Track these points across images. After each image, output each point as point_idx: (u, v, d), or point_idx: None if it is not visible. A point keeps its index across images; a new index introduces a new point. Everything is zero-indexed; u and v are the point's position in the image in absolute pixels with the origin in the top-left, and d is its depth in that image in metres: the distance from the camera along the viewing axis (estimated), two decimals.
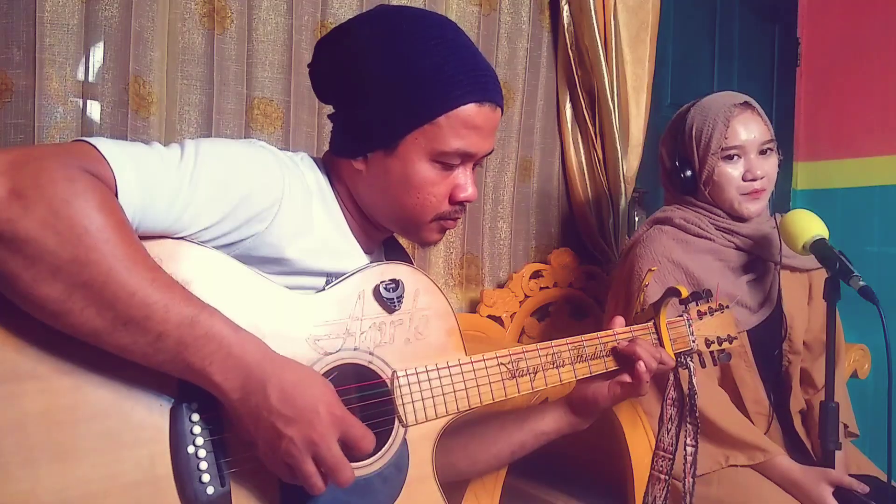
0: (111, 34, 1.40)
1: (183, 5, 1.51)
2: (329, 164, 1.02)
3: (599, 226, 2.15)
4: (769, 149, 1.53)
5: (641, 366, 1.05)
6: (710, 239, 1.54)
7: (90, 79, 1.40)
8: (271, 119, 1.63)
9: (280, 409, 0.75)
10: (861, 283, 1.27)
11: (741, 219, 1.55)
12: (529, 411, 1.15)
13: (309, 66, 1.03)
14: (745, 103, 1.52)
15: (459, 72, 0.92)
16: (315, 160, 1.02)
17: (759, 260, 1.56)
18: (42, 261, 0.67)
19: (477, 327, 1.91)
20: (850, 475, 1.39)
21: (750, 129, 1.51)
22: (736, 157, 1.51)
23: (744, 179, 1.51)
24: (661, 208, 1.66)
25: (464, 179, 0.97)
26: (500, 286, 2.04)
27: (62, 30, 1.33)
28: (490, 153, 1.01)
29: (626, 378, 1.07)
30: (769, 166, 1.53)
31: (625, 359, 1.08)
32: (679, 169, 1.57)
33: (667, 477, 1.17)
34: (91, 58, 1.39)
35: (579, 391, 1.12)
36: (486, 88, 0.94)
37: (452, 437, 1.10)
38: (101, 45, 1.39)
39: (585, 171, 2.15)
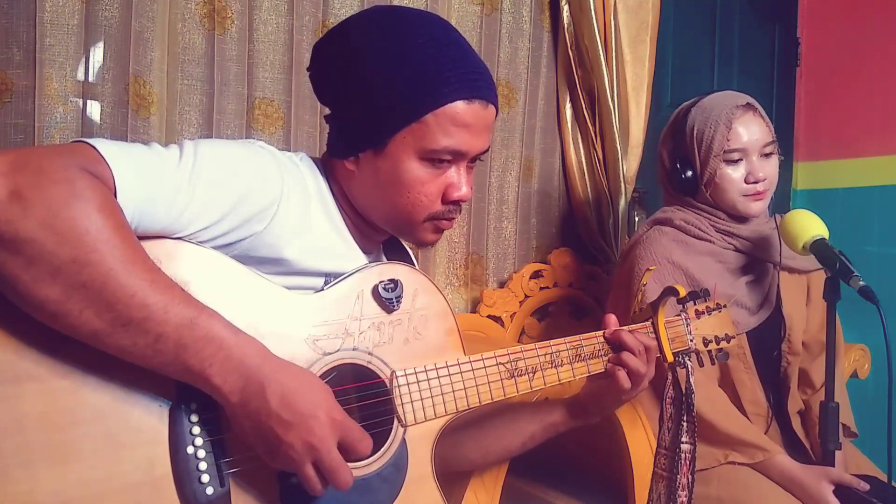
0: (111, 34, 1.40)
1: (183, 5, 1.52)
2: (326, 166, 1.02)
3: (599, 226, 2.15)
4: (770, 151, 1.53)
5: (628, 355, 1.06)
6: (709, 241, 1.53)
7: (90, 79, 1.40)
8: (272, 119, 1.63)
9: (280, 414, 0.75)
10: (861, 283, 1.27)
11: (742, 219, 1.55)
12: (540, 404, 1.16)
13: (308, 69, 1.03)
14: (747, 105, 1.52)
15: (447, 69, 0.91)
16: (314, 161, 1.02)
17: (758, 262, 1.56)
18: (41, 261, 0.67)
19: (477, 327, 1.91)
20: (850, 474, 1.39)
21: (752, 131, 1.50)
22: (738, 160, 1.51)
23: (746, 182, 1.51)
24: (661, 209, 1.65)
25: (457, 178, 0.96)
26: (503, 286, 2.04)
27: (62, 30, 1.33)
28: (485, 151, 0.99)
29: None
30: (771, 168, 1.53)
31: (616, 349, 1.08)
32: (680, 170, 1.56)
33: (670, 475, 1.18)
34: (91, 58, 1.39)
35: (587, 388, 1.13)
36: (475, 85, 0.93)
37: (463, 430, 1.11)
38: (101, 45, 1.40)
39: (585, 171, 2.15)
